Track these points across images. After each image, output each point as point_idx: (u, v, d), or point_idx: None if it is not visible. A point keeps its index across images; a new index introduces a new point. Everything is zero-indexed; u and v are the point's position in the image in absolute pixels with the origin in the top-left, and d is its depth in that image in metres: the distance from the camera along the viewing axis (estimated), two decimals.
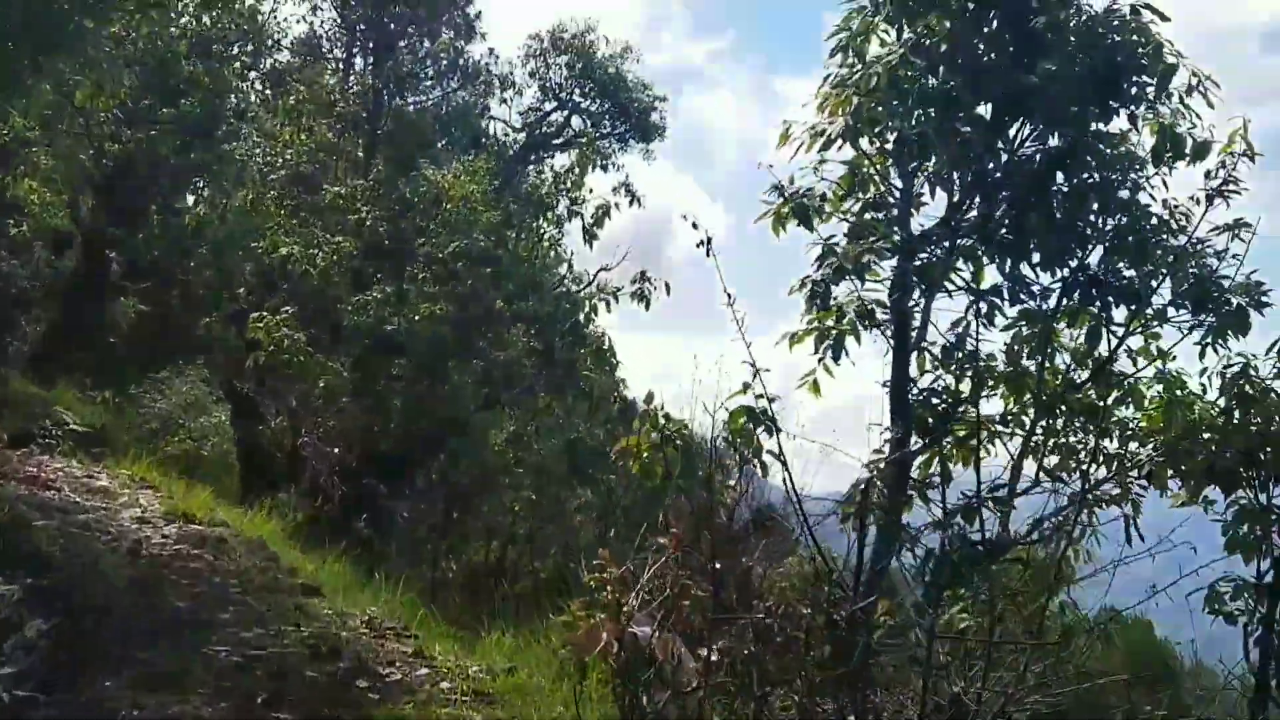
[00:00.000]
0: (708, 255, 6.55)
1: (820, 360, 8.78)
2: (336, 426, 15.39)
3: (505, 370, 15.74)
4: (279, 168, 20.32)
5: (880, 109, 8.12)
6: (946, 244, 8.80)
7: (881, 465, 8.23)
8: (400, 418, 15.08)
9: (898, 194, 9.05)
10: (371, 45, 29.14)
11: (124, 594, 8.18)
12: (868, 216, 9.04)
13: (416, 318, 15.99)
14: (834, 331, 8.81)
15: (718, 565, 5.92)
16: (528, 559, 23.31)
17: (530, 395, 16.31)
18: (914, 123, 8.29)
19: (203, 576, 9.14)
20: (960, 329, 8.68)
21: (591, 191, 18.45)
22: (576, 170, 18.89)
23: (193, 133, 22.51)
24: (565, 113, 31.25)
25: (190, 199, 26.24)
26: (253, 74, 27.28)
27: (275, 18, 27.31)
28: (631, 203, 18.83)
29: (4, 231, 21.20)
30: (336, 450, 15.37)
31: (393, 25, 29.62)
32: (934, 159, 8.52)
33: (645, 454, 8.12)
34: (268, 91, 27.71)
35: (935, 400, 8.40)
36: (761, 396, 7.55)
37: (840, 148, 8.55)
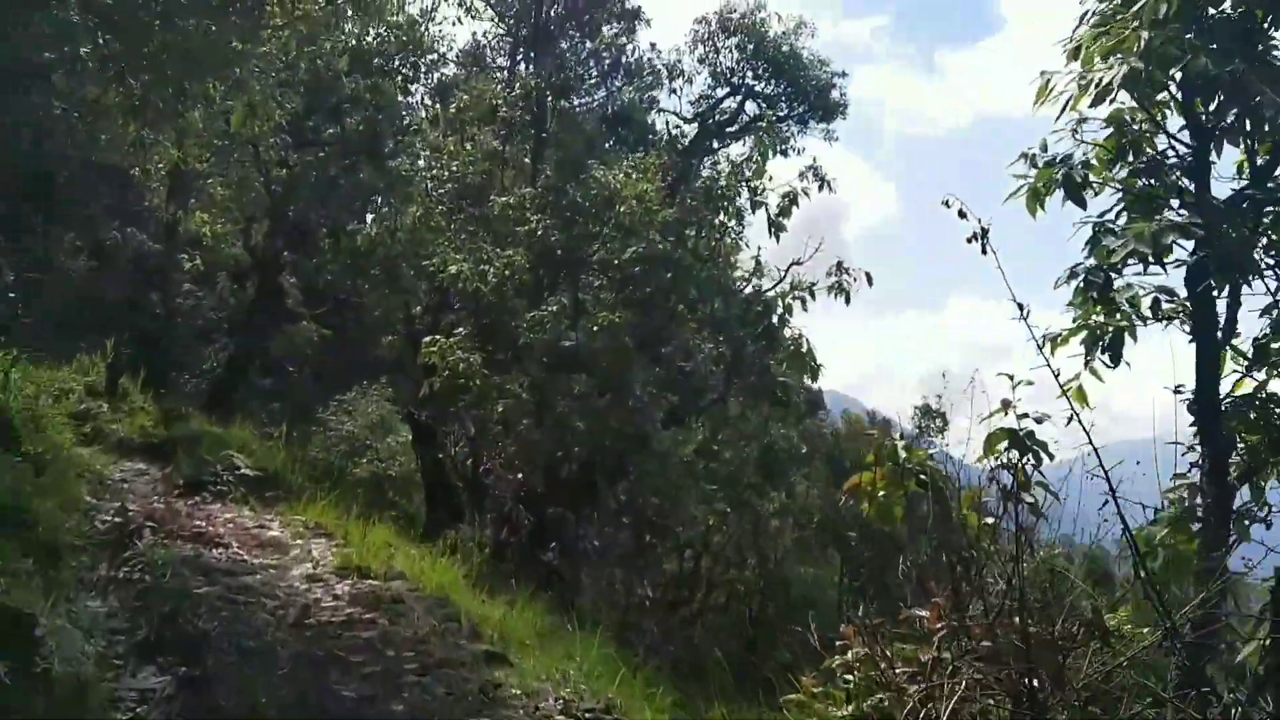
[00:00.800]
0: (983, 251, 4.98)
1: (1088, 364, 7.22)
2: (518, 451, 14.27)
3: (691, 381, 14.35)
4: (445, 180, 19.46)
5: (1172, 47, 6.33)
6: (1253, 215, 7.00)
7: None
8: (583, 438, 13.83)
9: (1179, 154, 7.27)
10: (534, 50, 28.28)
11: (286, 681, 7.11)
12: (1139, 184, 7.33)
13: (595, 328, 14.75)
14: (1110, 329, 7.18)
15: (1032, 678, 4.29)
16: (723, 568, 22.01)
17: (720, 405, 14.87)
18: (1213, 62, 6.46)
19: (375, 650, 8.03)
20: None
21: (772, 180, 16.90)
22: (756, 157, 17.32)
23: (358, 151, 21.93)
24: (738, 98, 29.37)
25: (363, 218, 25.91)
26: (417, 88, 26.77)
27: (435, 29, 26.74)
28: (821, 187, 17.01)
29: (179, 266, 21.05)
30: (519, 476, 14.25)
31: (553, 27, 28.70)
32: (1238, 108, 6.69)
33: (881, 493, 6.68)
34: (435, 105, 27.14)
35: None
36: (1026, 416, 6.05)
37: (1112, 100, 6.84)
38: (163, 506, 11.48)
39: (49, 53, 10.93)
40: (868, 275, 13.60)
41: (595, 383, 14.07)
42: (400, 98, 23.66)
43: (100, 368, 19.31)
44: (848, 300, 13.61)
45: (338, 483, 21.12)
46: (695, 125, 29.05)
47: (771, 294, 13.98)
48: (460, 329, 15.18)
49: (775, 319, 13.55)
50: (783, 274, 14.56)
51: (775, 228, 15.04)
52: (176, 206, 19.39)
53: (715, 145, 28.49)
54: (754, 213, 15.38)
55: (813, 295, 13.82)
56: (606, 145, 23.93)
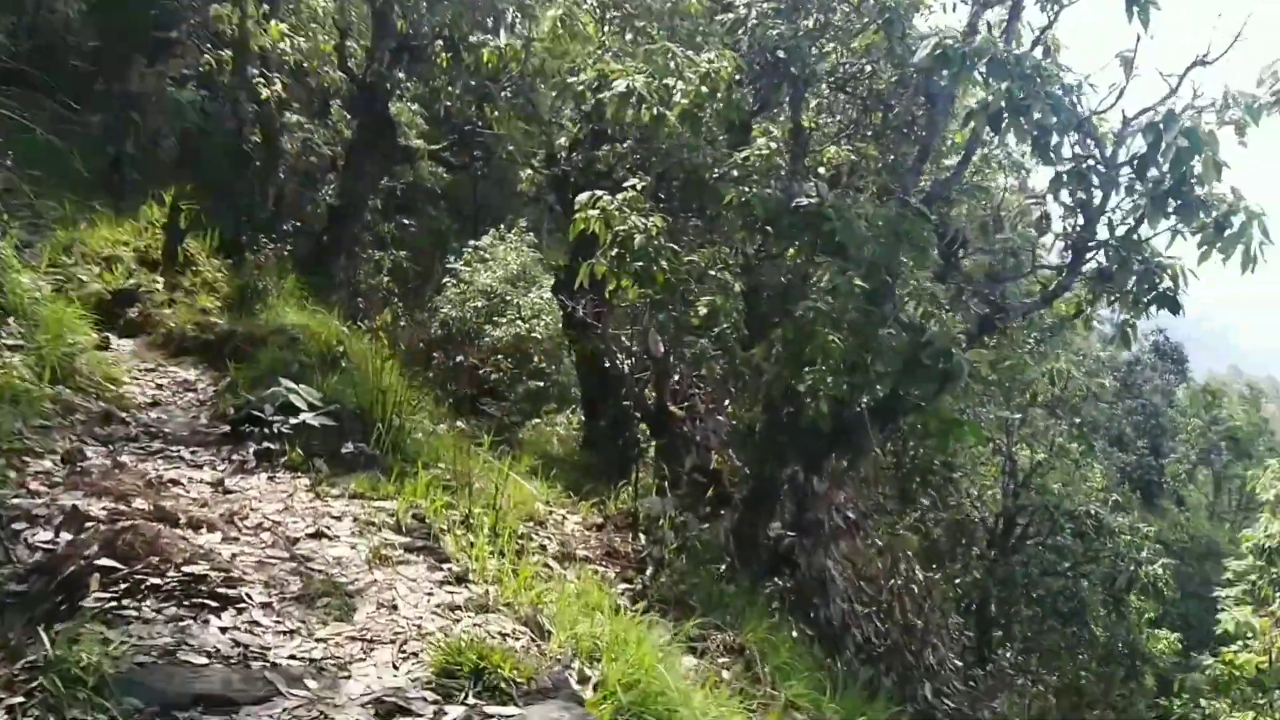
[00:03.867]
0: None
1: None
2: (731, 379, 9.20)
3: (1011, 265, 8.93)
4: None
5: None
6: None
7: None
8: (838, 356, 8.60)
9: None
10: None
11: None
12: None
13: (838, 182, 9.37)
14: None
15: None
16: None
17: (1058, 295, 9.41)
18: None
19: None
20: None
21: None
22: None
23: None
24: None
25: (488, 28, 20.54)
26: None
27: None
28: None
29: (251, 88, 16.01)
30: (730, 418, 9.20)
31: None
32: None
33: None
34: None
35: None
36: None
37: None
38: (154, 492, 6.76)
39: None
40: None
41: (855, 268, 8.69)
42: None
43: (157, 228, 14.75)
44: None
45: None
46: None
47: (1158, 116, 8.14)
48: (630, 178, 9.89)
49: (1196, 163, 7.76)
50: (1175, 83, 8.64)
51: (1139, 7, 9.08)
52: (241, 12, 14.36)
53: None
54: None
55: (1253, 119, 7.94)
56: None
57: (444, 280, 23.28)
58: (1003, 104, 7.63)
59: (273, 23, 15.86)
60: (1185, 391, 57.33)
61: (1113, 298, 9.16)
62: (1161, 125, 7.80)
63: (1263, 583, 22.93)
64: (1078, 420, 22.61)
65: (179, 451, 8.37)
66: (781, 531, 9.20)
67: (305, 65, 19.12)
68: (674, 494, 9.39)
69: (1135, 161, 8.03)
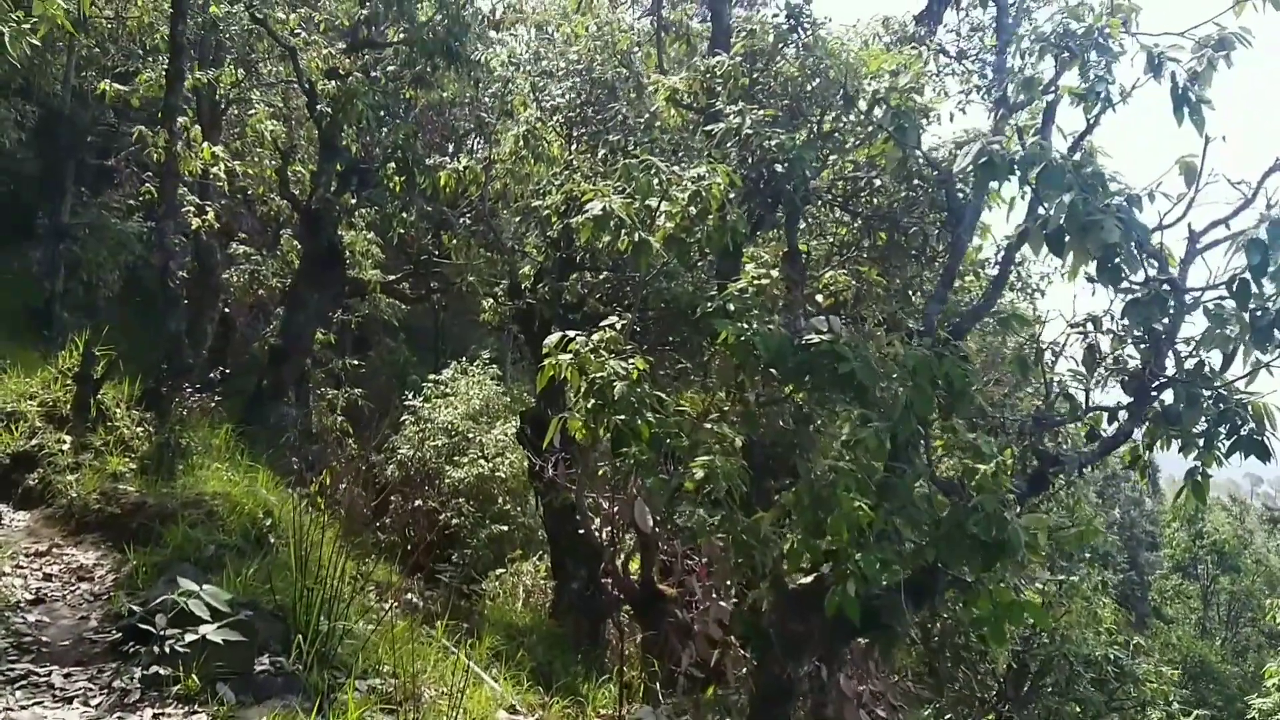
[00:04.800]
0: None
1: None
2: (731, 551, 7.57)
3: (1053, 409, 7.43)
4: (562, 76, 12.62)
5: None
6: None
7: None
8: (871, 532, 6.98)
9: None
10: None
11: None
12: None
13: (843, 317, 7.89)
14: None
15: None
16: None
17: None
18: None
19: None
20: None
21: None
22: None
23: (435, 53, 15.06)
24: None
25: (446, 150, 19.28)
26: None
27: None
28: None
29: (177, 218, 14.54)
30: (730, 598, 7.53)
31: None
32: None
33: None
34: None
35: None
36: None
37: None
38: None
39: None
40: None
41: (880, 417, 7.14)
42: None
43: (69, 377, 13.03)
44: None
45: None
46: None
47: (1257, 229, 6.69)
48: (603, 309, 8.37)
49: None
50: (1251, 191, 7.26)
51: (1190, 108, 7.81)
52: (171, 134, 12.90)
53: None
54: (1148, 78, 8.08)
55: None
56: None
57: (402, 418, 21.63)
58: (1062, 220, 6.23)
59: (206, 146, 14.44)
60: (1153, 501, 55.90)
61: (1180, 442, 7.68)
62: (1268, 240, 6.39)
63: None
64: (1086, 553, 21.04)
65: (49, 675, 6.59)
66: None
67: (251, 192, 17.78)
68: (667, 697, 7.65)
69: (1235, 284, 6.60)
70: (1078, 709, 18.09)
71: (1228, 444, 7.35)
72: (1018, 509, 7.30)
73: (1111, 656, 17.93)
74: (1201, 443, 7.55)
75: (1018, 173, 6.63)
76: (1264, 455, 7.25)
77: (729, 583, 8.31)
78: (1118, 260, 6.41)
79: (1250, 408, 7.23)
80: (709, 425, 7.89)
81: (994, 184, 7.14)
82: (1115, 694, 18.43)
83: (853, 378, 7.47)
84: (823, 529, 7.17)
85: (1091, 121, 7.98)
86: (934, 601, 7.93)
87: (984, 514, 6.81)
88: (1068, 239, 6.25)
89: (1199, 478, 7.78)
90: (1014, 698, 18.38)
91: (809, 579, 7.63)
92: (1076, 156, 7.61)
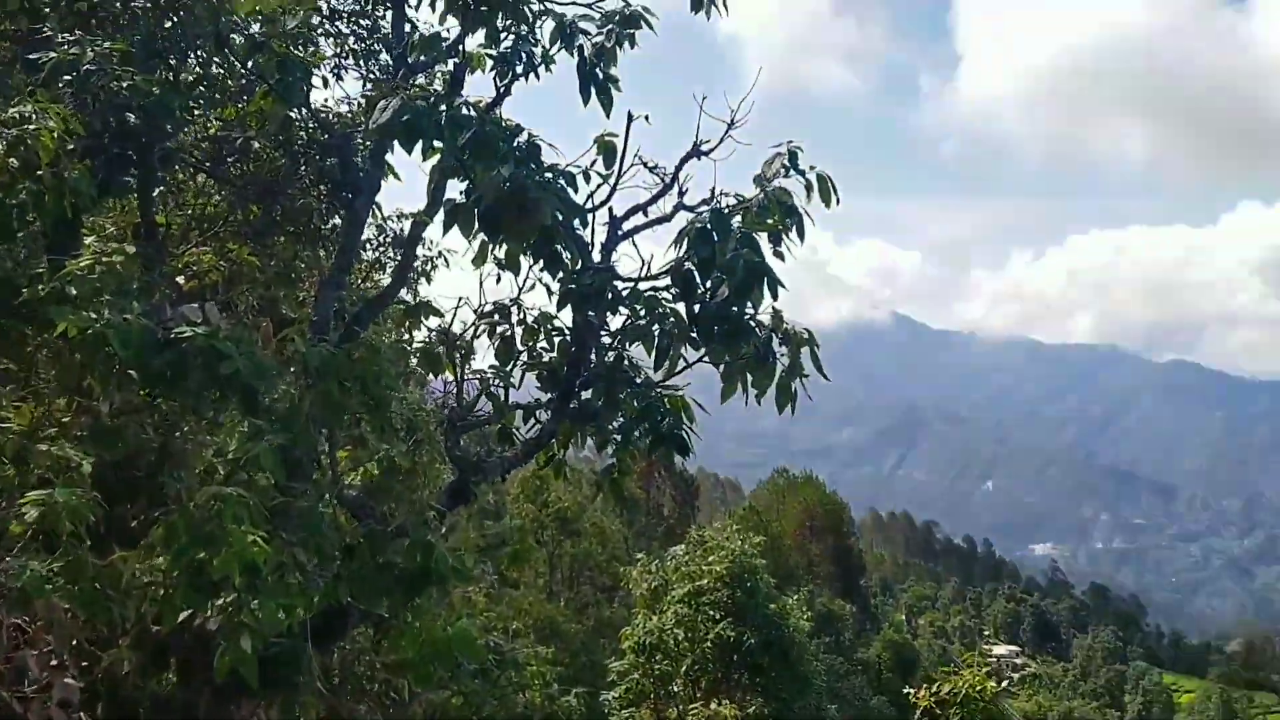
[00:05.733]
0: None
1: None
2: (77, 608, 5.78)
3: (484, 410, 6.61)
4: None
5: None
6: None
7: None
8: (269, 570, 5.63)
9: None
10: None
11: None
12: None
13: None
14: None
15: None
16: None
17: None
18: None
19: None
20: None
21: None
22: None
23: None
24: None
25: None
26: None
27: None
28: None
29: None
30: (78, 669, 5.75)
31: None
32: None
33: None
34: None
35: None
36: None
37: None
38: None
39: None
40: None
41: (273, 426, 5.82)
42: None
43: None
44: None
45: None
46: None
47: (700, 220, 6.17)
48: None
49: (749, 263, 5.84)
50: (669, 177, 6.70)
51: (598, 86, 7.24)
52: None
53: None
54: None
55: (794, 225, 6.22)
56: None
57: None
58: (496, 198, 5.34)
59: None
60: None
61: (598, 439, 7.26)
62: (714, 232, 6.00)
63: (644, 679, 23.00)
64: None
65: None
66: None
67: None
68: None
69: (676, 275, 6.14)
70: (460, 701, 17.85)
71: (649, 440, 7.02)
72: (442, 529, 6.34)
73: (491, 644, 17.96)
74: (619, 438, 7.18)
75: (446, 139, 5.66)
76: (684, 450, 7.03)
77: (74, 647, 6.46)
78: (557, 245, 5.69)
79: (669, 402, 6.95)
80: (44, 446, 5.99)
81: (410, 153, 6.08)
82: (497, 681, 18.47)
83: (238, 380, 6.04)
84: (206, 570, 5.68)
85: (502, 90, 7.26)
86: (344, 640, 6.75)
87: (406, 540, 5.77)
88: (505, 219, 5.40)
89: (614, 475, 7.43)
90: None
91: (189, 634, 6.08)
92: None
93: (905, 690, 14.07)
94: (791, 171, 6.39)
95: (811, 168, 6.47)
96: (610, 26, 7.43)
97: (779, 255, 6.10)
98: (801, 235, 6.18)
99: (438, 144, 5.98)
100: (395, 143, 6.35)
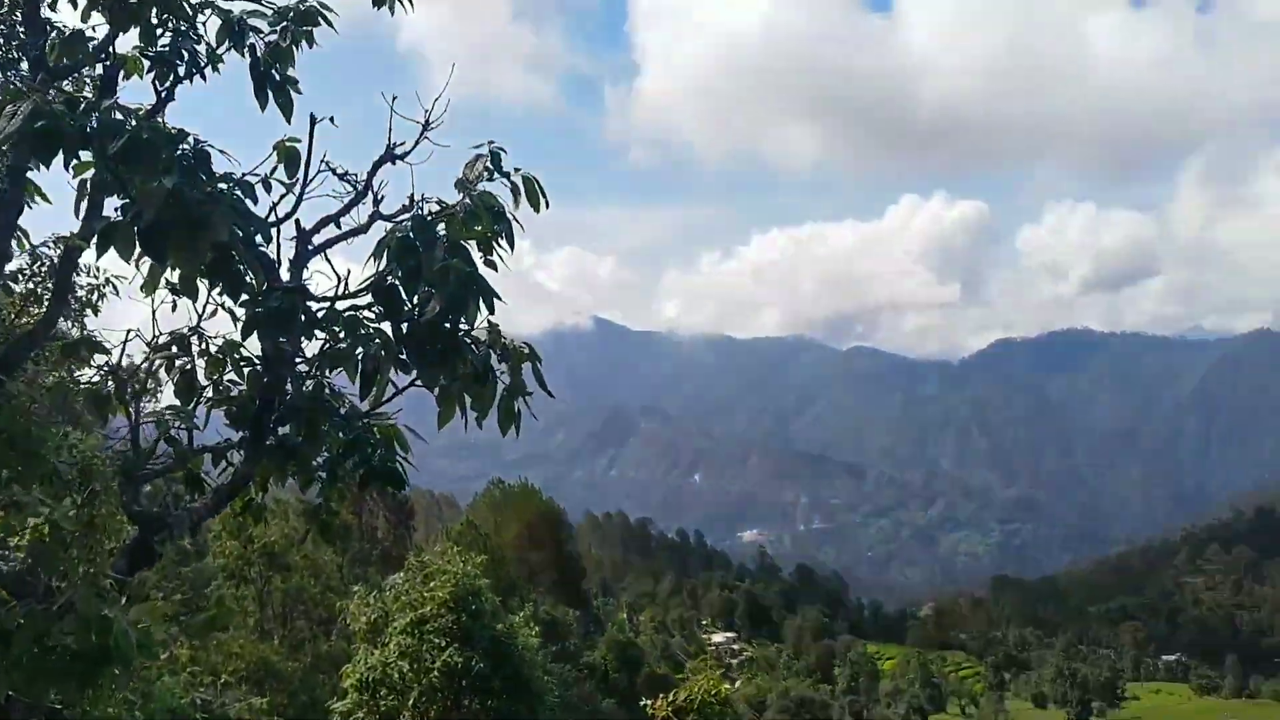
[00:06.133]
0: None
1: None
2: None
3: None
4: None
5: None
6: None
7: None
8: None
9: None
10: None
11: None
12: None
13: None
14: None
15: None
16: None
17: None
18: None
19: None
20: None
21: None
22: None
23: None
24: None
25: None
26: None
27: None
28: None
29: None
30: None
31: None
32: None
33: None
34: None
35: None
36: None
37: None
38: None
39: None
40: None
41: None
42: None
43: None
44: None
45: None
46: None
47: (400, 228, 5.38)
48: None
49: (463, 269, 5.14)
50: (361, 183, 5.93)
51: (275, 88, 6.51)
52: None
53: None
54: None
55: (504, 233, 5.56)
56: None
57: None
58: (159, 213, 4.56)
59: None
60: None
61: (301, 478, 6.53)
62: (418, 242, 5.38)
63: (368, 717, 21.87)
64: None
65: None
66: None
67: None
68: None
69: (378, 291, 5.47)
70: None
71: (359, 475, 6.35)
72: (122, 599, 5.44)
73: (199, 701, 16.62)
74: (325, 475, 6.48)
75: (95, 148, 4.81)
76: (399, 483, 6.41)
77: None
78: (238, 264, 4.97)
79: (380, 431, 6.31)
80: None
81: (48, 166, 5.15)
82: None
83: None
84: None
85: (164, 94, 6.40)
86: None
87: (77, 617, 4.89)
88: (172, 237, 4.64)
89: (324, 517, 6.72)
90: None
91: None
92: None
93: (642, 702, 13.94)
94: (496, 174, 5.93)
95: (516, 170, 6.03)
96: (284, 24, 6.72)
97: (491, 265, 5.62)
98: (511, 243, 5.72)
99: (86, 155, 5.13)
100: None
